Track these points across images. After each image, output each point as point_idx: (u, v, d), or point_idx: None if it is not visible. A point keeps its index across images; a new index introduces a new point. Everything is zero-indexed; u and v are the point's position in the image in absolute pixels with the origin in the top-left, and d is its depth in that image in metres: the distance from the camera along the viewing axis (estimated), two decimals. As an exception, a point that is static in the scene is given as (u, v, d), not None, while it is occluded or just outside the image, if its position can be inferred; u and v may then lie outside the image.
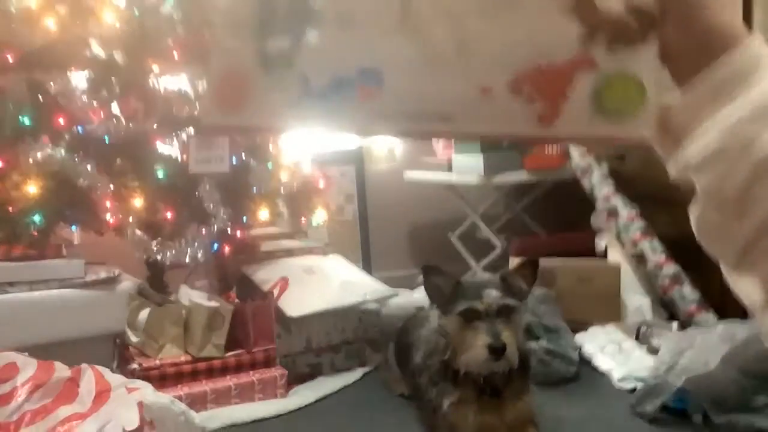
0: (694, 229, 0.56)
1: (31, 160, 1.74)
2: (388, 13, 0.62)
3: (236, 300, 1.94)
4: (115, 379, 1.48)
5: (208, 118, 0.63)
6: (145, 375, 1.63)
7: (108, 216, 1.81)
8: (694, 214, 0.56)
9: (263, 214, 2.04)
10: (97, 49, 1.94)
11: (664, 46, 0.54)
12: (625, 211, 2.29)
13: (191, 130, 2.00)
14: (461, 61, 0.60)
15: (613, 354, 1.89)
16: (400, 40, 0.61)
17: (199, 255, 1.87)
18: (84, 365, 1.49)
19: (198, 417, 1.46)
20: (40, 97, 1.84)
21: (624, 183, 2.37)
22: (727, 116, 0.50)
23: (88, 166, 1.78)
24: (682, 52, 0.54)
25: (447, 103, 0.60)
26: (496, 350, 1.28)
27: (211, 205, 1.91)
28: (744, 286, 0.54)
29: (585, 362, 1.91)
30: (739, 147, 0.49)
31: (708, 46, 0.51)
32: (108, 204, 1.79)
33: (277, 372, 1.77)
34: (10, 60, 1.81)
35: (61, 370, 1.46)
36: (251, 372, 1.76)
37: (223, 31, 0.65)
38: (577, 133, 0.58)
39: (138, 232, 1.82)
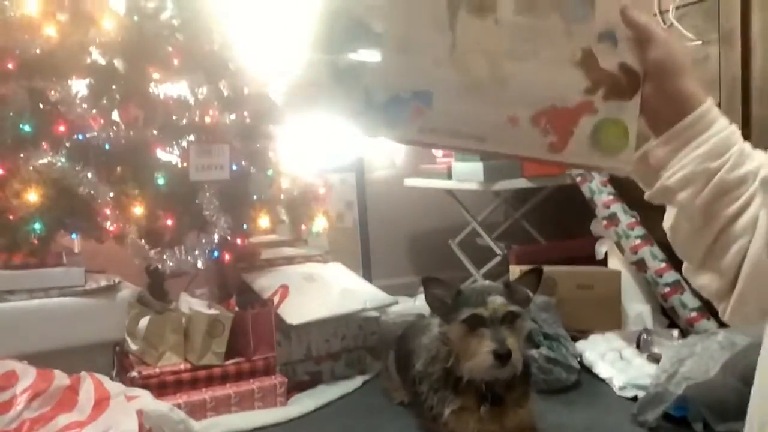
0: (668, 236, 0.78)
1: (31, 168, 1.74)
2: (439, 45, 0.75)
3: (236, 308, 1.93)
4: (114, 387, 1.48)
5: (287, 115, 0.81)
6: (144, 383, 1.63)
7: (108, 224, 1.80)
8: (667, 224, 0.78)
9: (263, 221, 2.04)
10: (98, 57, 1.95)
11: (644, 101, 0.75)
12: (625, 218, 2.29)
13: (191, 137, 2.01)
14: (495, 93, 0.74)
15: (614, 362, 1.89)
16: (447, 69, 0.75)
17: (200, 262, 1.87)
18: (83, 373, 1.49)
19: (197, 425, 1.46)
20: (40, 104, 1.84)
21: (624, 190, 2.37)
22: (695, 154, 0.72)
23: (89, 174, 1.78)
24: (658, 107, 0.75)
25: (482, 126, 0.74)
26: (502, 356, 1.28)
27: (212, 213, 1.91)
28: (704, 281, 0.75)
29: (585, 370, 1.91)
30: (704, 174, 0.71)
31: (676, 105, 0.74)
32: (108, 212, 1.79)
33: (276, 380, 1.77)
34: (11, 67, 1.81)
35: (61, 378, 1.46)
36: (251, 380, 1.76)
37: (302, 46, 0.77)
38: (578, 161, 0.76)
39: (138, 239, 1.82)
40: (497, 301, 1.33)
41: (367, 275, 2.72)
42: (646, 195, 0.79)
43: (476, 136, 0.74)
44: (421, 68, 0.75)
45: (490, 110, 0.74)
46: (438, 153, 2.80)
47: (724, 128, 0.73)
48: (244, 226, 2.02)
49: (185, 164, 1.96)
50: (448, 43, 0.75)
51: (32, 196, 1.72)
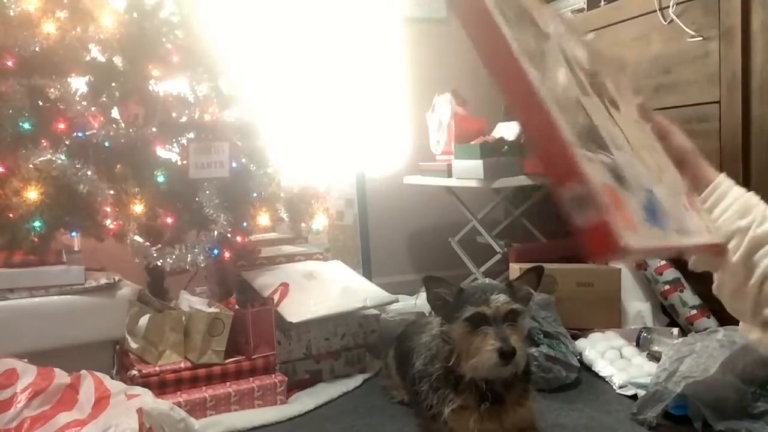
0: (716, 294, 0.85)
1: (31, 166, 1.74)
2: (624, 142, 0.72)
3: (236, 306, 1.93)
4: (114, 385, 1.48)
5: (627, 241, 0.57)
6: (144, 381, 1.63)
7: (108, 222, 1.80)
8: (714, 284, 0.84)
9: (263, 219, 2.03)
10: (97, 54, 1.94)
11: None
12: (625, 216, 2.29)
13: (191, 135, 2.00)
14: (667, 182, 0.77)
15: (614, 360, 1.89)
16: (640, 164, 0.72)
17: (200, 260, 1.87)
18: (83, 372, 1.49)
19: (197, 424, 1.46)
20: (40, 102, 1.84)
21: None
22: (725, 217, 0.82)
23: (89, 172, 1.78)
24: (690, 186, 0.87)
25: (681, 219, 0.74)
26: (506, 354, 1.28)
27: (211, 211, 1.91)
28: (757, 334, 0.84)
29: (585, 368, 1.91)
30: (737, 232, 0.80)
31: (701, 180, 0.87)
32: (108, 210, 1.79)
33: (276, 378, 1.77)
34: (10, 65, 1.81)
35: (61, 377, 1.46)
36: (251, 378, 1.75)
37: (577, 147, 0.59)
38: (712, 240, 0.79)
39: (138, 237, 1.81)
40: (500, 299, 1.33)
41: (367, 273, 2.72)
42: (690, 265, 0.88)
43: (682, 230, 0.71)
44: (633, 164, 0.69)
45: (674, 197, 0.74)
46: (437, 150, 2.80)
47: (742, 193, 0.83)
48: (244, 224, 2.02)
49: (185, 162, 1.95)
50: (624, 139, 0.73)
51: (32, 194, 1.72)
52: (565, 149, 0.55)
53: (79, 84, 1.90)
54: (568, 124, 0.58)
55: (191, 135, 2.00)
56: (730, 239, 0.80)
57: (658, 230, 0.63)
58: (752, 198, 0.83)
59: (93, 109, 1.86)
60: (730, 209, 0.82)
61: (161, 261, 1.84)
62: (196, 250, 1.87)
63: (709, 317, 2.13)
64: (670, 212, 0.69)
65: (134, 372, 1.67)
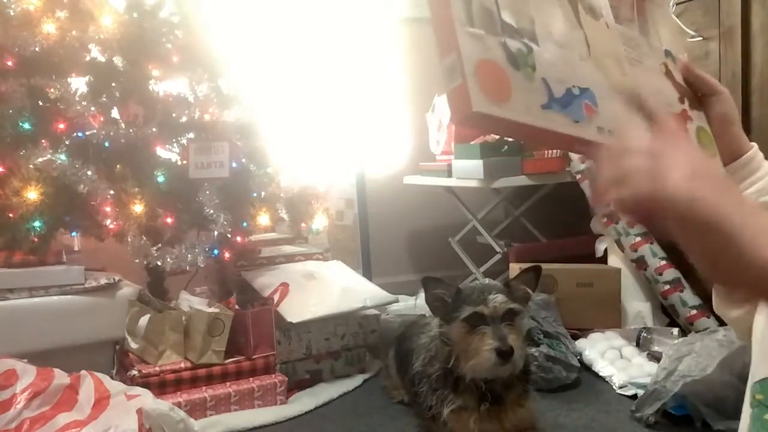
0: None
1: (31, 166, 1.74)
2: (580, 42, 0.72)
3: (236, 306, 1.93)
4: (114, 385, 1.48)
5: (480, 107, 0.58)
6: (144, 381, 1.63)
7: (108, 222, 1.80)
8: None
9: (263, 219, 2.03)
10: (97, 54, 1.95)
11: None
12: (625, 216, 2.29)
13: (191, 135, 2.01)
14: (629, 94, 0.72)
15: (614, 360, 1.89)
16: (593, 68, 0.71)
17: (200, 260, 1.87)
18: (83, 372, 1.49)
19: (197, 424, 1.46)
20: (40, 102, 1.84)
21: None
22: (752, 190, 0.83)
23: (89, 172, 1.78)
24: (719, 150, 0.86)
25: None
26: (504, 353, 1.28)
27: (211, 211, 1.91)
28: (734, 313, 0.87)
29: (585, 368, 1.91)
30: (763, 206, 0.78)
31: (733, 149, 0.84)
32: (108, 210, 1.79)
33: (276, 378, 1.77)
34: (10, 65, 1.81)
35: (61, 377, 1.46)
36: (251, 379, 1.75)
37: (460, 24, 0.61)
38: None
39: (138, 237, 1.82)
40: (497, 298, 1.33)
41: (367, 273, 2.72)
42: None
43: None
44: (575, 64, 0.68)
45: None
46: (437, 150, 2.80)
47: None
48: (244, 224, 2.02)
49: (185, 162, 1.96)
50: (584, 41, 0.72)
51: (32, 194, 1.72)
52: (447, 23, 0.61)
53: (79, 84, 1.90)
54: (464, 6, 0.62)
55: (191, 135, 2.01)
56: None
57: (560, 117, 0.64)
58: None
59: (93, 109, 1.87)
60: (758, 183, 0.81)
61: (161, 261, 1.84)
62: (196, 250, 1.87)
63: (709, 317, 2.13)
64: (609, 114, 0.68)
65: (134, 372, 1.67)
